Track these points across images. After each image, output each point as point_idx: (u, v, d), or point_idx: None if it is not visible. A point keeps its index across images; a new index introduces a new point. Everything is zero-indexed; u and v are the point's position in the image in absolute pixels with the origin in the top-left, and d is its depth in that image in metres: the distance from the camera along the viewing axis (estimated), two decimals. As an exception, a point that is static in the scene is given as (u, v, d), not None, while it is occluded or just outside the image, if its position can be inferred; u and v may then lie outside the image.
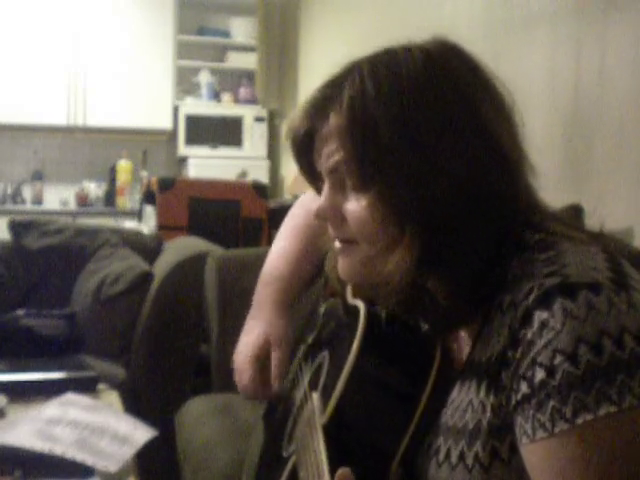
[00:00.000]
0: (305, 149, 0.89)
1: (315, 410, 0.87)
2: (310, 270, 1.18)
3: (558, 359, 0.68)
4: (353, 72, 0.82)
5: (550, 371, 0.69)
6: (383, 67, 0.81)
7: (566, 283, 0.70)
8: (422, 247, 0.78)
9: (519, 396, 0.71)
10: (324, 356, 0.97)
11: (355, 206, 0.83)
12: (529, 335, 0.71)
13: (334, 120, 0.82)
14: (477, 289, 0.80)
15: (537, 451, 0.70)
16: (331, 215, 0.86)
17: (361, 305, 0.90)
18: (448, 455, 0.79)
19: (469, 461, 0.76)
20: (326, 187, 0.87)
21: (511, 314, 0.74)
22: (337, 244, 0.88)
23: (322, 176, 0.88)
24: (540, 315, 0.70)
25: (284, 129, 0.88)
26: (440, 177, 0.78)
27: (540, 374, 0.69)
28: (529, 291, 0.73)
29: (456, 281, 0.80)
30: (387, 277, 0.81)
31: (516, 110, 0.84)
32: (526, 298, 0.72)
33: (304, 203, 1.23)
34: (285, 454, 0.97)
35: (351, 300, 0.97)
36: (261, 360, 1.13)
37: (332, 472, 0.75)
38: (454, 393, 0.82)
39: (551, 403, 0.68)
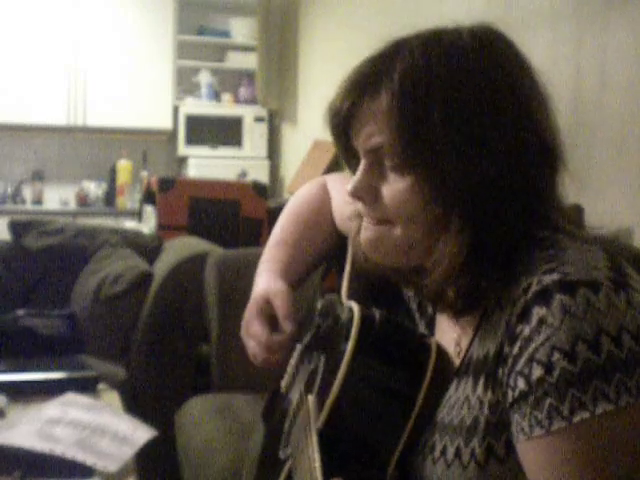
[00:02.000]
0: (344, 127, 0.86)
1: (310, 414, 0.86)
2: (308, 258, 1.14)
3: (556, 356, 0.68)
4: (402, 49, 0.80)
5: (548, 368, 0.69)
6: (434, 45, 0.80)
7: (565, 280, 0.70)
8: (471, 233, 0.77)
9: (516, 393, 0.71)
10: (320, 358, 0.96)
11: (396, 187, 0.81)
12: (527, 331, 0.71)
13: (383, 97, 0.80)
14: (496, 278, 0.78)
15: (534, 448, 0.70)
16: (366, 194, 0.85)
17: (355, 307, 0.88)
18: (444, 452, 0.79)
19: (465, 458, 0.76)
20: (362, 166, 0.85)
21: (509, 309, 0.74)
22: (366, 222, 0.87)
23: (358, 154, 0.86)
24: (538, 311, 0.70)
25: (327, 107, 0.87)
26: (487, 160, 0.76)
27: (538, 371, 0.69)
28: (527, 287, 0.72)
29: (484, 267, 0.78)
30: (434, 263, 0.80)
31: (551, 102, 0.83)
32: (524, 294, 0.72)
33: (301, 193, 1.20)
34: (282, 456, 0.97)
35: (346, 301, 0.95)
36: (266, 314, 1.06)
37: (326, 478, 0.74)
38: (451, 390, 0.81)
39: (548, 400, 0.68)
